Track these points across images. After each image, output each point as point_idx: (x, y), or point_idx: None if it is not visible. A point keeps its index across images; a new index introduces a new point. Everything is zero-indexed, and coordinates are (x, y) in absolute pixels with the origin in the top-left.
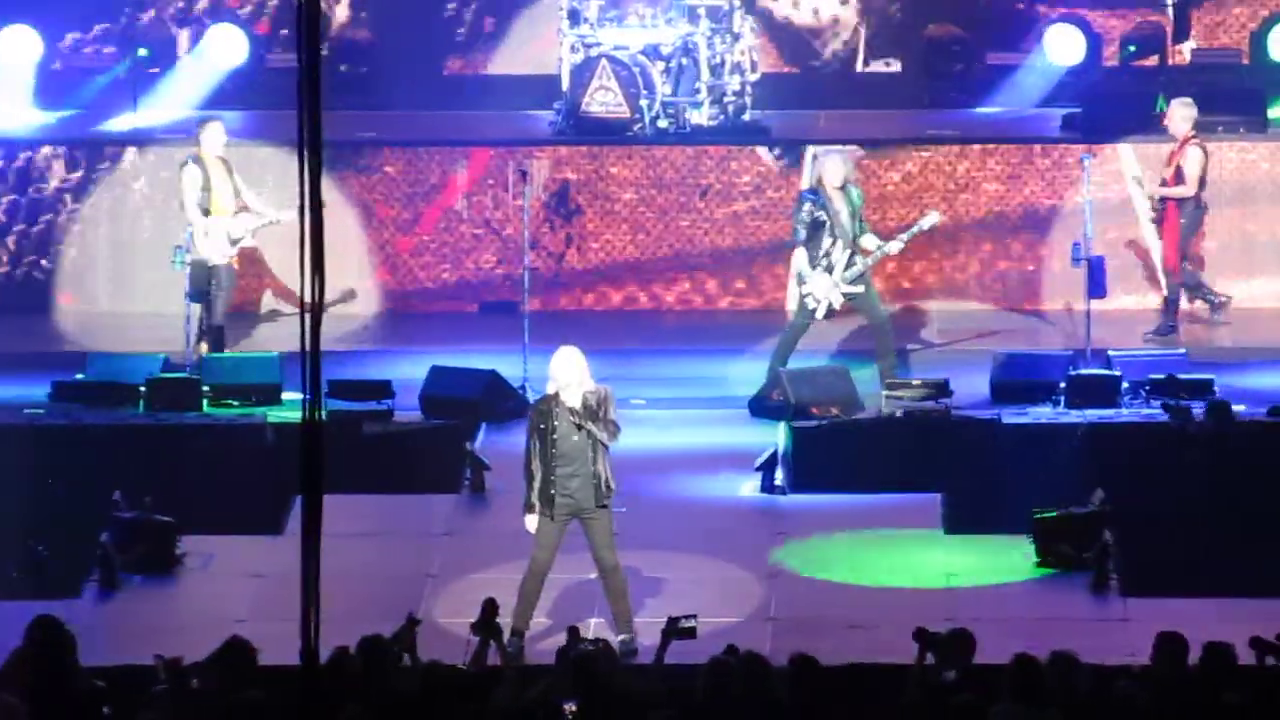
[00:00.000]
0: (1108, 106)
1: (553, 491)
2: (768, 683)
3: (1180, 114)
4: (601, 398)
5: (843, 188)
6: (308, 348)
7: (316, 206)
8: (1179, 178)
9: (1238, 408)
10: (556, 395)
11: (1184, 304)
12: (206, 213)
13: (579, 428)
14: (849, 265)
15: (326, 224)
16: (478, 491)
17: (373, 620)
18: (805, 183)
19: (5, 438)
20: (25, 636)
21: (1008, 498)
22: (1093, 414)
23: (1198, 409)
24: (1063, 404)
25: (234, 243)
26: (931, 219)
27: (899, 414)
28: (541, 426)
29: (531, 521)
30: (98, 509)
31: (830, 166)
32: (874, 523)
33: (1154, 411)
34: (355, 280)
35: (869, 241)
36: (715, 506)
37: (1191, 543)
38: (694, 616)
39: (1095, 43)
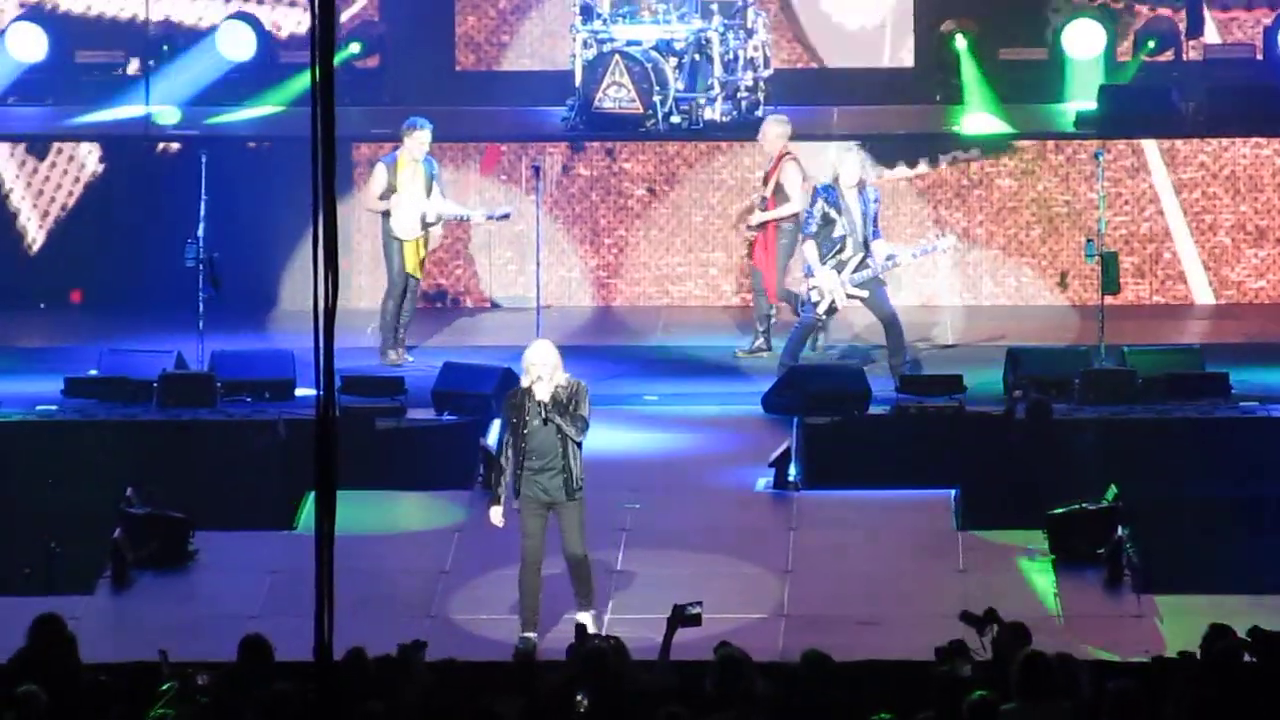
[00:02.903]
0: (1123, 102)
1: (523, 484)
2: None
3: (774, 130)
4: (573, 392)
5: (859, 188)
6: (321, 345)
7: (330, 205)
8: (780, 195)
9: (1250, 402)
10: (529, 388)
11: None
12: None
13: (547, 421)
14: (859, 268)
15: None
16: (490, 488)
17: (386, 617)
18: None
19: (18, 433)
20: (28, 636)
21: (1022, 493)
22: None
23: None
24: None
25: (426, 225)
26: (948, 241)
27: (912, 410)
28: (513, 420)
29: (496, 514)
30: (110, 505)
31: (846, 165)
32: (888, 518)
33: (1168, 407)
34: (363, 276)
35: (881, 248)
36: (729, 502)
37: (1205, 539)
38: (699, 604)
39: (1113, 38)
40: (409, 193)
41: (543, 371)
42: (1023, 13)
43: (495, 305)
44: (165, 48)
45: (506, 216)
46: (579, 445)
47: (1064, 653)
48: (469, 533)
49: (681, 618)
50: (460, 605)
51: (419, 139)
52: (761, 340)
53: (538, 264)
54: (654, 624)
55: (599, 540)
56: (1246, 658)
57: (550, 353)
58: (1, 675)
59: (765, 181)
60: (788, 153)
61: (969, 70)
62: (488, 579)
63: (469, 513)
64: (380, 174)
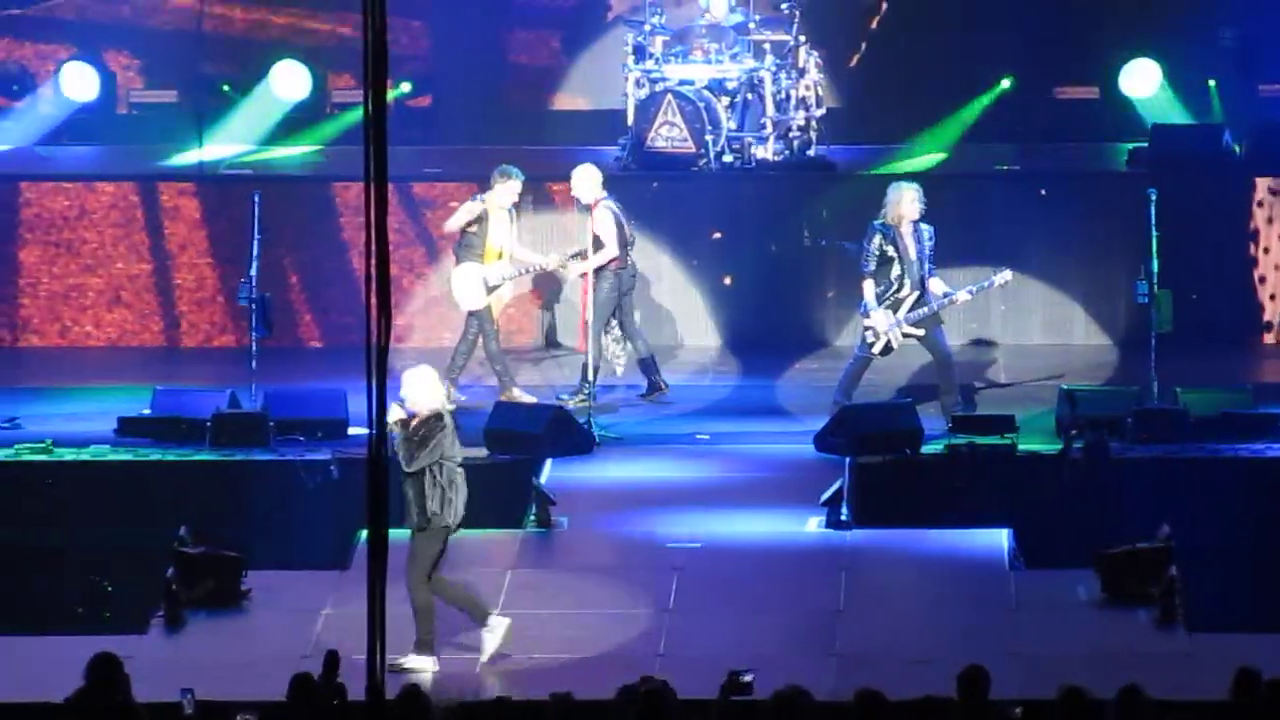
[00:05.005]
0: (1175, 141)
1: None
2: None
3: (586, 180)
4: (423, 424)
5: (914, 225)
6: (374, 385)
7: (383, 245)
8: (596, 244)
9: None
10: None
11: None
12: (462, 255)
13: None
14: (915, 307)
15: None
16: (543, 527)
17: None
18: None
19: (72, 473)
20: (85, 675)
21: (1074, 532)
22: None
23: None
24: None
25: (491, 289)
26: (1004, 276)
27: (965, 449)
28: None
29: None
30: (163, 544)
31: (907, 200)
32: (940, 558)
33: (1220, 447)
34: (406, 317)
35: (936, 286)
36: (781, 542)
37: (1258, 578)
38: (752, 671)
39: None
40: (493, 244)
41: (406, 395)
42: (1076, 50)
43: (552, 344)
44: (225, 88)
45: (581, 255)
46: (422, 477)
47: (1133, 686)
48: (521, 573)
49: (735, 686)
50: (511, 645)
51: (512, 188)
52: (588, 392)
53: (585, 304)
54: (706, 662)
55: (652, 578)
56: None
57: (411, 380)
58: (59, 714)
59: (590, 230)
60: (603, 198)
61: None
62: (540, 619)
63: (521, 552)
64: (474, 209)
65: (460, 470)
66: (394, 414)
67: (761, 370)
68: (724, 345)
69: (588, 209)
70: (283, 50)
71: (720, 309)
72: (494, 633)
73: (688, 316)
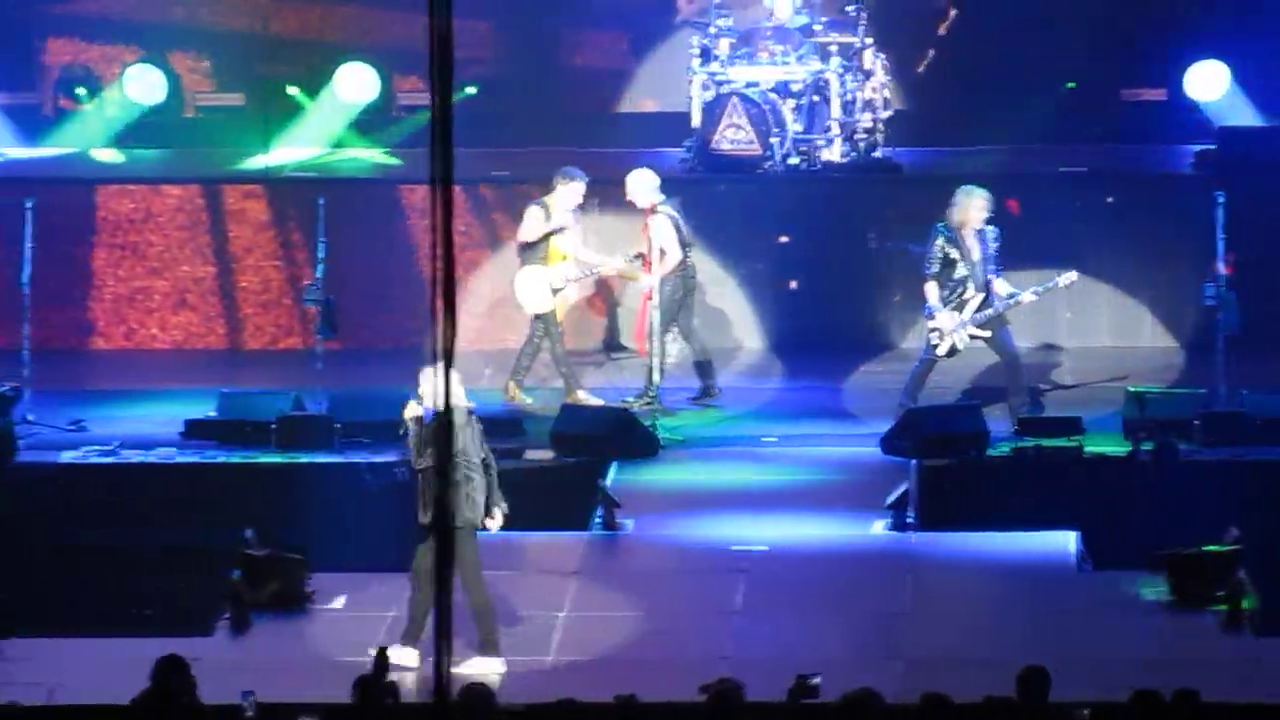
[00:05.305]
0: (1242, 144)
1: None
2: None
3: (642, 184)
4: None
5: (979, 229)
6: (440, 386)
7: (449, 247)
8: (661, 254)
9: None
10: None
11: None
12: (527, 258)
13: None
14: (980, 309)
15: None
16: (609, 530)
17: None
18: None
19: (138, 476)
20: (152, 676)
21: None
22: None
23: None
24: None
25: (555, 292)
26: (1069, 277)
27: (1031, 452)
28: None
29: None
30: (229, 547)
31: (974, 206)
32: (1006, 560)
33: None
34: (471, 319)
35: (1001, 287)
36: (846, 545)
37: None
38: (818, 675)
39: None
40: (558, 248)
41: (420, 390)
42: (1143, 52)
43: (613, 348)
44: (292, 91)
45: (643, 256)
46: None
47: (1185, 690)
48: (587, 575)
49: (804, 689)
50: (576, 647)
51: (575, 190)
52: (652, 394)
53: (648, 304)
54: (772, 665)
55: (718, 581)
56: None
57: (428, 377)
58: (125, 715)
59: (644, 237)
60: (657, 204)
61: None
62: (605, 621)
63: (586, 555)
64: (540, 215)
65: (479, 468)
66: (410, 410)
67: (827, 373)
68: (789, 348)
69: (645, 212)
70: (350, 53)
71: (785, 311)
72: (409, 656)
73: (753, 319)
